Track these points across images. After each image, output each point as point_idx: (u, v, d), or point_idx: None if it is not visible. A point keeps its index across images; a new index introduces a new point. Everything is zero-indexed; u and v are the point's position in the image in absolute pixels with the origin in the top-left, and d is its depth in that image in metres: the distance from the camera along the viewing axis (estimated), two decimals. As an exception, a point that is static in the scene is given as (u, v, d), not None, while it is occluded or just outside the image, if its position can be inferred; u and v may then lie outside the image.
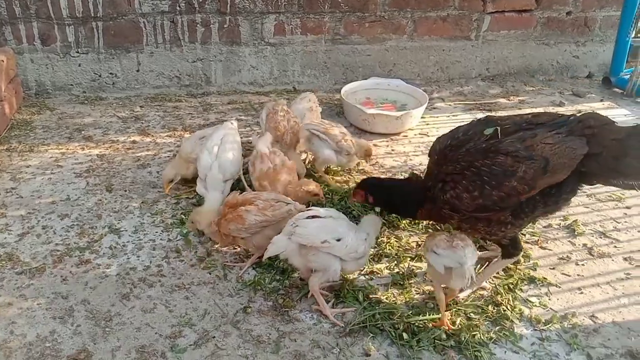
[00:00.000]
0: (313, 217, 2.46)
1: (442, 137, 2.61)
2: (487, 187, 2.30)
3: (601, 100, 4.91)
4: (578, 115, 2.48)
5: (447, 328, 2.34)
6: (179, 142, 3.98)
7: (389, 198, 2.70)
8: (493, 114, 4.55)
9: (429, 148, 2.66)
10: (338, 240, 2.39)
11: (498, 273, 2.69)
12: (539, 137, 2.33)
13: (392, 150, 3.97)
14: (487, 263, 2.71)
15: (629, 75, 5.00)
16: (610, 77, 5.16)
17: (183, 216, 3.09)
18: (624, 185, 2.43)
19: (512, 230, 2.46)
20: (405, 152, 3.89)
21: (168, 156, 3.78)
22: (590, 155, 2.32)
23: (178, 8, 4.59)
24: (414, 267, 2.73)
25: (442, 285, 2.37)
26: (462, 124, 2.62)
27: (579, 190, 2.49)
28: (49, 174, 3.52)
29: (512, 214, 2.38)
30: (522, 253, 2.60)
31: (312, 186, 2.90)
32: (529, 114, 2.60)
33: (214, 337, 2.31)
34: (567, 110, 4.71)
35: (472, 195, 2.33)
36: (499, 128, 2.43)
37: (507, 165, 2.29)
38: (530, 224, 2.99)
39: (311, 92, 4.05)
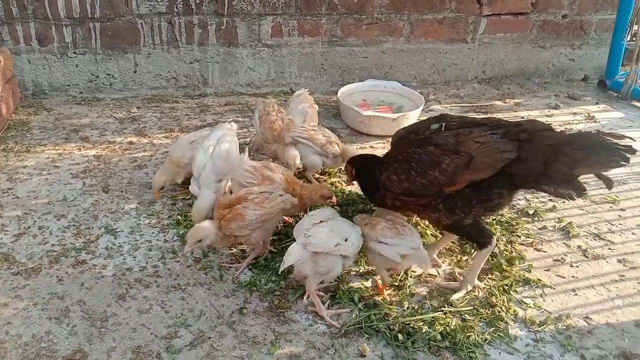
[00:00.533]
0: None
1: (399, 130, 2.81)
2: (412, 172, 2.48)
3: (596, 103, 4.94)
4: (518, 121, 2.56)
5: (387, 299, 2.54)
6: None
7: (360, 177, 2.83)
8: (489, 116, 4.56)
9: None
10: (346, 240, 2.46)
11: (493, 274, 2.70)
12: (473, 134, 2.43)
13: (389, 152, 3.98)
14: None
15: (624, 79, 5.02)
16: (606, 80, 5.18)
17: (179, 217, 3.10)
18: (555, 193, 2.43)
19: (449, 219, 2.51)
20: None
21: (165, 157, 3.78)
22: (520, 159, 2.36)
23: (175, 9, 4.60)
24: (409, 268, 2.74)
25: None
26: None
27: (517, 194, 2.61)
28: (46, 175, 3.52)
29: (444, 204, 2.47)
30: (494, 240, 2.59)
31: (325, 190, 2.90)
32: (483, 118, 2.67)
33: (210, 337, 2.32)
34: (562, 112, 4.74)
35: (399, 178, 2.52)
36: (444, 124, 2.56)
37: (434, 156, 2.44)
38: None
39: (305, 89, 4.06)
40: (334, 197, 2.96)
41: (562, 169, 2.34)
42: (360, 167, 2.86)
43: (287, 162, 3.28)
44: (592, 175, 2.42)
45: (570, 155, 2.33)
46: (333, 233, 2.45)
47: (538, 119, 4.43)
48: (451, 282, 2.67)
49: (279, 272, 2.53)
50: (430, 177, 2.43)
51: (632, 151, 2.33)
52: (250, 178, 2.87)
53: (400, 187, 2.53)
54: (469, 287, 2.61)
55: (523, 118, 4.56)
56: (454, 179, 2.40)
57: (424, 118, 2.77)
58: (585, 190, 2.40)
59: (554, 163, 2.34)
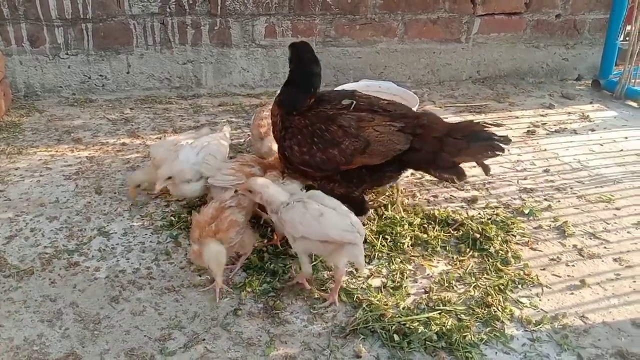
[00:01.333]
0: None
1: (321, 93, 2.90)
2: (314, 147, 2.66)
3: (590, 103, 4.95)
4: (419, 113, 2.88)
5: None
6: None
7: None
8: (483, 116, 4.59)
9: None
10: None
11: (488, 274, 2.69)
12: (375, 122, 2.66)
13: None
14: None
15: (618, 78, 5.04)
16: (600, 80, 5.20)
17: (172, 218, 3.07)
18: (439, 177, 2.76)
19: (343, 190, 2.75)
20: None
21: (158, 158, 3.76)
22: (412, 149, 2.66)
23: (168, 10, 4.58)
24: (404, 269, 2.72)
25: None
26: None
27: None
28: (38, 177, 3.49)
29: (340, 177, 2.73)
30: (368, 214, 2.91)
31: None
32: (388, 100, 2.87)
33: (204, 339, 2.29)
34: (556, 112, 4.74)
35: (301, 150, 2.69)
36: (354, 102, 2.75)
37: (336, 136, 2.64)
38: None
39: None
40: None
41: (447, 158, 2.64)
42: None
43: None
44: (473, 163, 2.74)
45: (454, 145, 2.62)
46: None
47: (532, 118, 4.51)
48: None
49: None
50: (330, 155, 2.65)
51: (507, 141, 2.62)
52: (235, 180, 2.85)
53: (300, 159, 2.70)
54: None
55: (517, 118, 4.58)
56: (351, 160, 2.65)
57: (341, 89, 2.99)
58: (465, 175, 2.69)
59: (441, 153, 2.63)
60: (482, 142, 2.64)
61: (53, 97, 4.71)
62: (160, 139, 4.04)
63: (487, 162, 2.70)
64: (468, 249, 2.86)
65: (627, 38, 5.04)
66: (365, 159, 2.65)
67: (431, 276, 2.70)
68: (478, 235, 2.94)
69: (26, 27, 4.45)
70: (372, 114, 2.71)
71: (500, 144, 2.61)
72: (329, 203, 2.47)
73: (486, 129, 2.67)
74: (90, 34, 4.57)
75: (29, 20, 4.43)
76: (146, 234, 2.96)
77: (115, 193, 3.33)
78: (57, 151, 3.84)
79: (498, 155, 2.63)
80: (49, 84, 4.69)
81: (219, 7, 4.64)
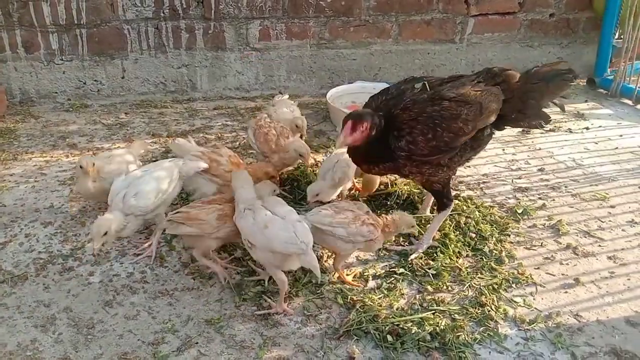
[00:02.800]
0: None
1: (372, 98, 2.84)
2: (438, 129, 2.56)
3: (585, 101, 4.95)
4: (484, 70, 2.84)
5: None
6: (165, 148, 3.98)
7: (373, 136, 2.62)
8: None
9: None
10: None
11: (482, 274, 2.69)
12: (467, 86, 2.66)
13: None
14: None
15: (612, 76, 5.04)
16: (595, 78, 5.20)
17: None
18: (529, 125, 2.94)
19: (446, 174, 2.77)
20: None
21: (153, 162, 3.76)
22: (505, 100, 2.69)
23: (162, 14, 4.59)
24: (397, 270, 2.72)
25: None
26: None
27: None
28: (33, 182, 3.50)
29: (450, 159, 2.69)
30: (452, 204, 2.89)
31: (270, 168, 3.06)
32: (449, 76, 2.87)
33: (197, 343, 2.29)
34: (551, 112, 4.72)
35: (426, 138, 2.56)
36: (426, 82, 2.74)
37: (452, 109, 2.58)
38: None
39: (280, 94, 4.17)
40: (277, 177, 3.10)
41: (534, 104, 2.75)
42: (378, 124, 2.61)
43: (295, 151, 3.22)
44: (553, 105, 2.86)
45: (536, 89, 2.73)
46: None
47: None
48: (406, 246, 2.88)
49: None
50: (455, 129, 2.58)
51: (572, 71, 2.81)
52: (200, 161, 2.92)
53: (427, 148, 2.57)
54: (425, 247, 2.83)
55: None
56: (474, 126, 2.62)
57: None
58: (550, 118, 2.82)
59: (527, 100, 2.73)
60: (557, 79, 2.77)
61: (48, 102, 4.72)
62: (155, 143, 4.05)
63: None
64: (464, 250, 2.86)
65: (621, 37, 5.05)
66: (485, 119, 2.65)
67: (425, 276, 2.69)
68: (474, 235, 2.95)
69: (20, 34, 4.46)
70: (454, 81, 2.73)
71: (570, 75, 2.80)
72: (279, 211, 2.44)
73: (553, 67, 2.82)
74: (85, 39, 4.58)
75: (23, 27, 4.44)
76: (140, 239, 2.96)
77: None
78: (52, 157, 3.85)
79: (571, 85, 2.85)
80: (44, 90, 4.70)
81: (212, 11, 4.64)
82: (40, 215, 3.16)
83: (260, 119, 3.43)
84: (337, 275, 2.65)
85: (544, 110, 2.81)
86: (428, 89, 2.69)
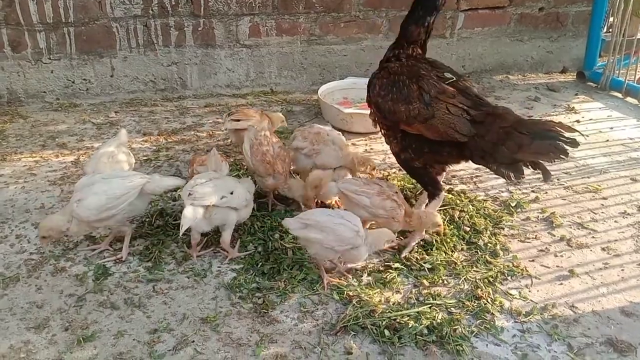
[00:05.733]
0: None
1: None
2: (389, 95, 2.80)
3: (576, 94, 4.98)
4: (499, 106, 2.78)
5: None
6: (155, 146, 3.95)
7: None
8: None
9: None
10: (232, 193, 2.68)
11: (477, 267, 2.69)
12: (452, 101, 2.64)
13: (371, 149, 3.97)
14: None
15: (602, 69, 5.07)
16: (584, 72, 5.23)
17: (159, 221, 3.05)
18: (497, 172, 2.60)
19: (400, 151, 2.89)
20: (384, 151, 3.88)
21: (144, 161, 3.73)
22: (474, 136, 2.57)
23: (151, 11, 4.55)
24: (393, 264, 2.72)
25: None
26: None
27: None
28: (22, 183, 3.45)
29: (401, 137, 2.84)
30: (441, 195, 2.90)
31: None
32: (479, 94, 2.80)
33: (193, 341, 2.27)
34: (542, 104, 4.76)
35: (379, 92, 2.86)
36: (454, 78, 2.76)
37: (411, 95, 2.70)
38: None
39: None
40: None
41: (505, 152, 2.48)
42: None
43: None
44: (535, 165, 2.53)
45: (516, 139, 2.45)
46: (217, 188, 2.66)
47: (519, 112, 4.52)
48: (401, 241, 2.85)
49: (180, 234, 2.60)
50: (396, 108, 2.75)
51: (576, 144, 2.40)
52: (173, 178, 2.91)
53: (374, 99, 2.90)
54: (416, 241, 2.83)
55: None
56: (409, 122, 2.74)
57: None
58: (524, 174, 2.51)
59: (500, 146, 2.49)
60: (547, 141, 2.41)
61: (37, 102, 4.67)
62: (146, 141, 4.03)
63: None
64: (459, 244, 2.86)
65: (610, 30, 5.08)
66: (421, 128, 2.68)
67: (421, 271, 2.69)
68: (468, 229, 2.95)
69: (7, 33, 4.40)
70: (458, 93, 2.67)
71: (565, 147, 2.39)
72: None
73: (557, 129, 2.43)
74: (73, 37, 4.53)
75: (9, 26, 4.38)
76: (135, 236, 2.93)
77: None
78: (41, 157, 3.80)
79: (562, 158, 2.40)
80: (32, 90, 4.64)
81: (202, 8, 4.61)
82: (31, 216, 3.12)
83: (260, 133, 3.08)
84: None
85: (520, 165, 2.50)
86: (445, 81, 2.74)
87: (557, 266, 2.75)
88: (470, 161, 2.73)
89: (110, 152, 3.06)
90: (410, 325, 2.32)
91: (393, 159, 3.70)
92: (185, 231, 2.56)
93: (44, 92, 4.67)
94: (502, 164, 2.53)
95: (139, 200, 2.72)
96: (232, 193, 2.69)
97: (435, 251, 2.79)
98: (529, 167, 2.52)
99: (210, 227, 2.71)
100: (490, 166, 2.62)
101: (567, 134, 2.41)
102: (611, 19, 5.11)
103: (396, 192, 2.78)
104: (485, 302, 2.47)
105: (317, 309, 2.45)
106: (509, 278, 2.65)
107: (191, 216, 2.56)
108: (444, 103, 2.62)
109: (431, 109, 2.62)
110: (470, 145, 2.60)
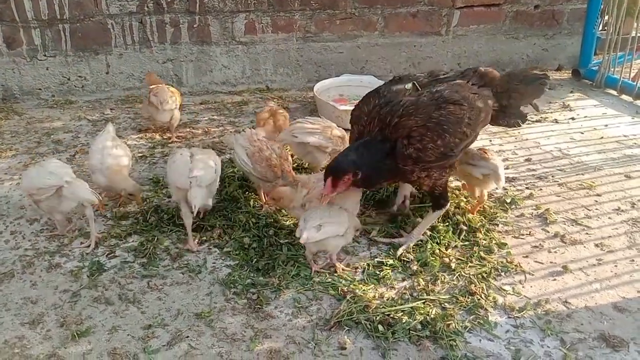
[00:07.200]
0: None
1: (362, 103, 2.76)
2: (446, 135, 2.52)
3: (571, 92, 4.98)
4: (469, 70, 2.90)
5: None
6: (151, 143, 3.95)
7: (368, 174, 2.57)
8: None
9: (351, 117, 2.80)
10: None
11: (472, 263, 2.70)
12: (465, 89, 2.66)
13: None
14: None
15: (597, 67, 5.08)
16: (580, 69, 5.24)
17: (154, 218, 3.05)
18: (507, 124, 2.89)
19: (447, 176, 2.76)
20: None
21: (139, 158, 3.73)
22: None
23: (146, 8, 4.54)
24: (387, 261, 2.72)
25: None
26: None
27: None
28: (17, 179, 3.45)
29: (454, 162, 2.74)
30: (448, 205, 2.88)
31: None
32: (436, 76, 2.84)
33: (187, 336, 2.28)
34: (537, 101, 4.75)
35: (435, 145, 2.51)
36: (415, 82, 2.72)
37: (457, 113, 2.55)
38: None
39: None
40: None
41: (515, 104, 2.82)
42: (366, 164, 2.55)
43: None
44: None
45: (517, 91, 2.81)
46: (206, 167, 2.80)
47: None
48: (394, 239, 2.87)
49: (192, 210, 2.70)
50: (460, 134, 2.56)
51: (548, 77, 2.92)
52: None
53: (436, 153, 2.53)
54: (414, 241, 2.81)
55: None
56: (475, 129, 2.65)
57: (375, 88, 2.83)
58: (527, 116, 2.89)
59: (509, 100, 2.79)
60: (535, 82, 2.87)
61: (32, 99, 4.66)
62: (141, 138, 4.02)
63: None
64: (453, 240, 2.87)
65: (605, 28, 5.09)
66: (482, 123, 2.71)
67: (415, 266, 2.69)
68: (462, 225, 2.96)
69: (2, 29, 4.39)
70: (445, 82, 2.71)
71: (546, 80, 2.89)
72: None
73: (530, 71, 2.98)
74: (68, 34, 4.52)
75: (4, 22, 4.37)
76: (130, 232, 2.94)
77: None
78: (37, 153, 3.80)
79: (546, 90, 2.90)
80: (27, 86, 4.63)
81: (197, 5, 4.61)
82: (26, 213, 3.12)
83: (253, 138, 3.04)
84: None
85: (522, 109, 2.88)
86: (419, 89, 2.67)
87: (550, 262, 2.76)
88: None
89: (110, 146, 3.10)
90: (404, 321, 2.33)
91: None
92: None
93: (39, 89, 4.67)
94: (512, 114, 2.82)
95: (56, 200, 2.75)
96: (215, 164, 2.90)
97: (430, 247, 2.80)
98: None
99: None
100: (501, 122, 2.85)
101: (539, 73, 3.05)
102: (606, 17, 5.11)
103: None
104: (479, 297, 2.48)
105: (312, 305, 2.46)
106: (502, 274, 2.66)
107: (200, 196, 2.69)
108: (469, 95, 2.63)
109: (474, 105, 2.61)
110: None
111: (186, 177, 2.70)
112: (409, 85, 2.69)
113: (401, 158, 2.52)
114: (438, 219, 2.92)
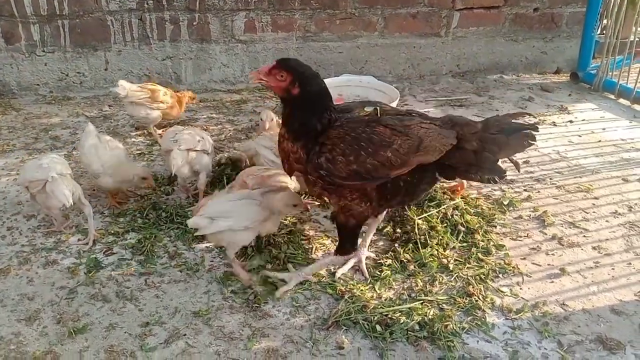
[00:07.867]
0: None
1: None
2: (363, 153, 2.29)
3: (569, 95, 5.00)
4: (447, 116, 2.63)
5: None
6: (149, 141, 3.94)
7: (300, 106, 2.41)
8: (464, 109, 4.60)
9: None
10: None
11: (470, 263, 2.70)
12: (415, 121, 2.45)
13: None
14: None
15: (595, 71, 5.09)
16: (578, 73, 5.25)
17: (151, 215, 3.04)
18: (481, 179, 2.55)
19: (367, 210, 2.48)
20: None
21: (137, 155, 3.72)
22: (454, 148, 2.44)
23: (146, 5, 4.54)
24: (385, 262, 2.72)
25: None
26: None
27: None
28: (15, 175, 3.43)
29: (376, 192, 2.41)
30: (354, 255, 2.64)
31: None
32: (408, 110, 2.68)
33: (185, 334, 2.27)
34: (536, 104, 4.78)
35: (347, 160, 2.29)
36: (379, 108, 2.54)
37: (386, 136, 2.33)
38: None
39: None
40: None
41: (489, 157, 2.47)
42: (308, 99, 2.40)
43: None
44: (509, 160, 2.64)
45: (494, 141, 2.47)
46: (191, 135, 3.08)
47: (512, 111, 4.52)
48: (280, 273, 2.61)
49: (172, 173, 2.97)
50: (382, 158, 2.30)
51: (537, 128, 2.56)
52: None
53: (346, 170, 2.30)
54: (300, 279, 2.56)
55: (497, 111, 4.60)
56: (406, 160, 2.34)
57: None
58: (505, 173, 2.54)
59: (482, 152, 2.46)
60: (518, 134, 2.52)
61: (30, 95, 4.64)
62: (140, 135, 4.01)
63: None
64: (451, 241, 2.86)
65: (604, 31, 5.10)
66: (420, 157, 2.36)
67: (413, 267, 2.69)
68: (460, 227, 2.96)
69: (0, 24, 4.37)
70: (407, 115, 2.51)
71: (533, 133, 2.53)
72: None
73: (518, 119, 2.58)
74: (67, 30, 4.51)
75: (3, 17, 4.35)
76: (128, 229, 2.93)
77: (94, 190, 3.28)
78: (34, 149, 3.78)
79: (532, 144, 2.55)
80: (25, 82, 4.62)
81: (197, 3, 4.60)
82: (23, 209, 3.11)
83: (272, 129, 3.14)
84: None
85: (500, 164, 2.53)
86: (378, 115, 2.49)
87: (548, 264, 2.77)
88: (447, 180, 2.74)
89: (99, 143, 3.07)
90: (401, 321, 2.33)
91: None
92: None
93: (38, 84, 4.65)
94: (486, 169, 2.49)
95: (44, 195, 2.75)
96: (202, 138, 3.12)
97: (428, 248, 2.80)
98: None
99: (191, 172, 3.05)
100: (474, 177, 2.55)
101: (528, 121, 2.59)
102: (605, 21, 5.13)
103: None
104: (477, 299, 2.48)
105: (310, 304, 2.46)
106: (500, 275, 2.66)
107: (180, 159, 2.95)
108: (415, 126, 2.40)
109: (414, 135, 2.36)
110: (453, 160, 2.47)
111: (169, 140, 3.03)
112: (369, 108, 2.54)
113: (311, 166, 2.36)
114: (434, 214, 2.88)
